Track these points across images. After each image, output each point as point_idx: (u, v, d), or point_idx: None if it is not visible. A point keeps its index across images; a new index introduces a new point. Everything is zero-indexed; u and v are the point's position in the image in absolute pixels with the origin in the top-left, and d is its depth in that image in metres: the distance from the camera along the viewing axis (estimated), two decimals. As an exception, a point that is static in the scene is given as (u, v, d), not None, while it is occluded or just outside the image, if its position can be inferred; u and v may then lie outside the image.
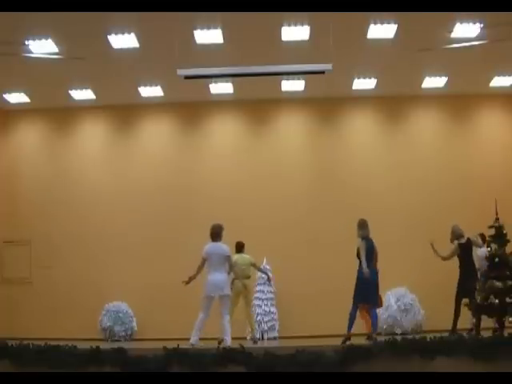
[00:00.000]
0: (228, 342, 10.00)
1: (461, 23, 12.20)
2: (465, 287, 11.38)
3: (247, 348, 7.32)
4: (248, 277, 12.75)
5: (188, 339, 10.04)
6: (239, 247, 12.81)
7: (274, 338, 14.34)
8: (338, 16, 11.23)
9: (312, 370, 6.92)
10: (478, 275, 11.47)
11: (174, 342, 7.51)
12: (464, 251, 11.73)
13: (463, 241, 11.79)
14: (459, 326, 11.40)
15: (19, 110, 16.33)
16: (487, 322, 10.96)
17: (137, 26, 12.31)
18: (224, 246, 10.64)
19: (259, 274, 14.76)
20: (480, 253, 12.34)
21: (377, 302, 11.06)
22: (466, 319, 11.89)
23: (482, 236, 12.53)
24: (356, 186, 15.79)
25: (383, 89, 15.51)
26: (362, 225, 11.27)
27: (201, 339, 10.22)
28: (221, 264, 10.48)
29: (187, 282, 10.44)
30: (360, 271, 10.96)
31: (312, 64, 11.34)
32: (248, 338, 13.16)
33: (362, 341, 7.55)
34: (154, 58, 13.54)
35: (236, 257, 12.43)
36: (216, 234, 10.66)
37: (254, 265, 12.92)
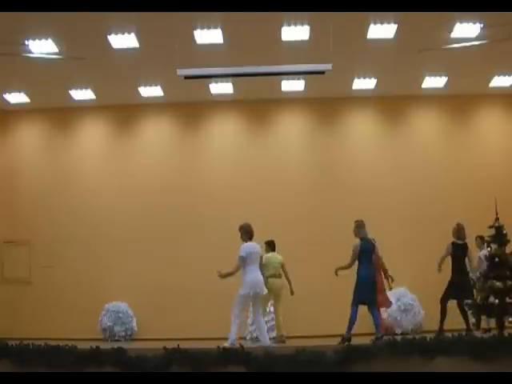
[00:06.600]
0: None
1: (461, 23, 12.20)
2: (456, 289, 11.47)
3: (247, 348, 7.32)
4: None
5: (188, 339, 10.02)
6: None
7: (274, 338, 14.30)
8: (337, 16, 11.22)
9: (312, 370, 6.91)
10: (474, 277, 11.49)
11: (174, 342, 7.50)
12: (457, 252, 11.71)
13: (459, 241, 11.79)
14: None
15: (19, 110, 16.32)
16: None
17: (137, 25, 12.31)
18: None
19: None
20: (480, 255, 12.39)
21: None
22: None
23: (482, 238, 12.57)
24: (356, 185, 15.79)
25: (383, 89, 15.51)
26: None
27: (201, 339, 10.20)
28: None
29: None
30: None
31: (312, 64, 11.32)
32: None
33: (362, 341, 7.53)
34: (154, 58, 13.54)
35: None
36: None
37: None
